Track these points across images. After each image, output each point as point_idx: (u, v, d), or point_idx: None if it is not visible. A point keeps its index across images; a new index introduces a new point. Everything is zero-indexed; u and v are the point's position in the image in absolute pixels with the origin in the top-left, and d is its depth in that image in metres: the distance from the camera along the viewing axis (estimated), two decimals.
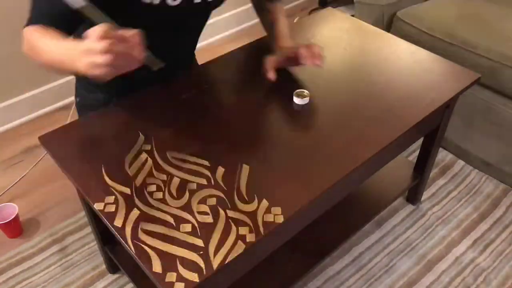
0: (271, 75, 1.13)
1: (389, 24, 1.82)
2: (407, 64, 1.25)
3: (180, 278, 0.76)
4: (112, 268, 1.36)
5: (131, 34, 0.74)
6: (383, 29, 1.81)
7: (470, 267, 1.38)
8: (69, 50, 0.81)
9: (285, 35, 1.20)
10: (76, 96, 1.28)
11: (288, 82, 1.18)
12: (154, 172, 0.94)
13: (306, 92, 1.12)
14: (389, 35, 1.39)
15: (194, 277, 0.76)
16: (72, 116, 1.87)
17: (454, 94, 1.15)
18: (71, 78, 1.96)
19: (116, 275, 1.37)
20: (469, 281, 1.35)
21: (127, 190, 0.91)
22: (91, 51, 0.72)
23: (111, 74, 0.74)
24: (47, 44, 0.86)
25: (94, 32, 0.72)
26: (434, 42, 1.64)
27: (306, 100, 1.11)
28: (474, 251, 1.43)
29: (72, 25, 0.92)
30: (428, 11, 1.75)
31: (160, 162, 0.97)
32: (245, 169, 0.95)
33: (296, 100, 1.11)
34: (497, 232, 1.48)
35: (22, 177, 1.68)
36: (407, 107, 1.11)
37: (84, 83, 1.23)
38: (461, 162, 1.72)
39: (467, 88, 1.18)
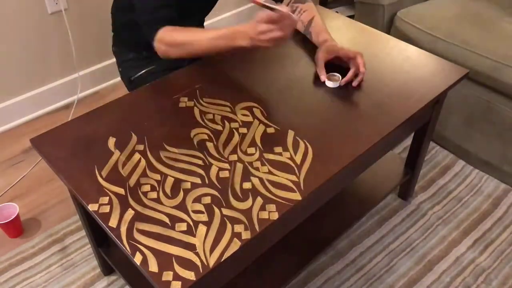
0: (323, 78, 1.19)
1: (390, 24, 1.82)
2: (397, 61, 1.26)
3: (177, 277, 0.76)
4: (106, 270, 1.35)
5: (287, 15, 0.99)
6: (384, 29, 1.81)
7: (471, 267, 1.38)
8: (229, 34, 1.06)
9: (324, 30, 1.30)
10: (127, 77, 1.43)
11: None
12: (148, 172, 0.94)
13: None
14: (378, 32, 1.39)
15: (190, 275, 0.76)
16: (72, 116, 1.87)
17: (443, 89, 1.16)
18: (72, 78, 1.98)
19: (116, 276, 1.37)
20: (469, 281, 1.35)
21: (121, 191, 0.91)
22: (263, 32, 0.99)
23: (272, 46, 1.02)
24: (197, 37, 1.11)
25: (263, 17, 0.99)
26: (434, 42, 1.63)
27: None
28: (475, 251, 1.42)
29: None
30: (428, 11, 1.75)
31: (154, 162, 0.97)
32: (239, 167, 0.95)
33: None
34: (498, 232, 1.48)
35: (22, 177, 1.68)
36: (398, 103, 1.12)
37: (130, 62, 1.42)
38: (461, 162, 1.72)
39: (456, 83, 1.19)
